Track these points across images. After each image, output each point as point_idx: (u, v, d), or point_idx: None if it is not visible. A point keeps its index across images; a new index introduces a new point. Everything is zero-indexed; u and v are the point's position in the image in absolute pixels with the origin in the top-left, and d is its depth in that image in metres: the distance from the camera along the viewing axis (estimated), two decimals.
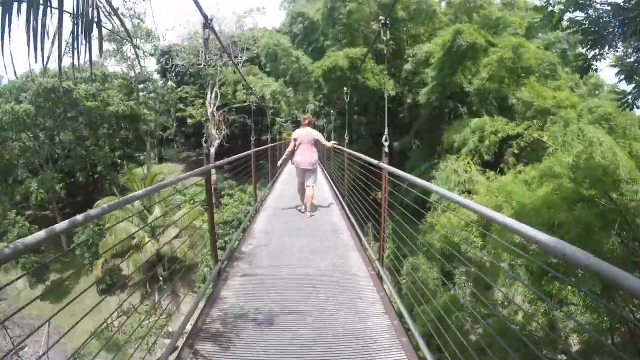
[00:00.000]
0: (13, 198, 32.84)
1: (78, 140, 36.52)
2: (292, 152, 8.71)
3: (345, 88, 8.26)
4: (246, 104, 34.50)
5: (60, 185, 36.94)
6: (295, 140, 8.62)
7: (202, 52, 35.71)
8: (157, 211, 22.40)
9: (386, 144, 5.92)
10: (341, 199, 10.25)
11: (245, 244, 6.74)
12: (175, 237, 21.83)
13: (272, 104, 31.05)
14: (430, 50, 18.88)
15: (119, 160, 39.18)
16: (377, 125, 24.46)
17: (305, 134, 8.57)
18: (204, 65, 36.63)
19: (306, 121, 8.76)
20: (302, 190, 8.84)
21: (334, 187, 12.65)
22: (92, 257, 26.33)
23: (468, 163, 15.36)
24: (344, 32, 21.83)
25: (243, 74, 30.35)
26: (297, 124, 38.57)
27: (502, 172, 14.78)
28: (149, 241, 21.37)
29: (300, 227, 7.82)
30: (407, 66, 20.53)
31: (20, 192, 32.38)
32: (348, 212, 8.76)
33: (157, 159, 52.23)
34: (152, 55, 43.96)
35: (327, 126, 24.19)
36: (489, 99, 19.09)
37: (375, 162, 6.18)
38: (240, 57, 35.51)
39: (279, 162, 9.80)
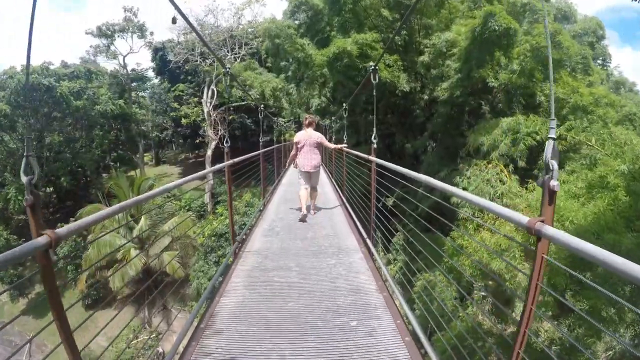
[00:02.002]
0: None
1: (64, 142, 35.06)
2: (295, 156, 8.69)
3: (372, 65, 7.01)
4: (244, 102, 32.75)
5: (45, 190, 35.46)
6: (297, 144, 8.57)
7: (198, 46, 34.17)
8: (142, 221, 20.61)
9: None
10: (345, 202, 10.22)
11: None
12: (166, 249, 20.34)
13: (272, 102, 29.17)
14: (453, 38, 16.71)
15: (112, 164, 37.92)
16: (388, 125, 22.68)
17: (307, 137, 8.54)
18: (199, 62, 34.93)
19: (307, 121, 8.74)
20: (304, 193, 8.61)
21: (338, 190, 12.54)
22: (75, 271, 25.17)
23: (501, 170, 13.31)
24: (351, 21, 19.88)
25: (241, 69, 28.80)
26: (299, 125, 37.53)
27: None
28: (136, 255, 19.56)
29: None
30: (424, 58, 18.44)
31: (0, 198, 30.66)
32: (353, 215, 8.54)
33: (154, 161, 51.66)
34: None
35: (334, 126, 22.19)
36: (516, 96, 17.16)
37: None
38: (238, 52, 33.85)
39: (287, 165, 9.69)
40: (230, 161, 7.00)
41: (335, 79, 19.79)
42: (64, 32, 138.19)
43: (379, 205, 7.00)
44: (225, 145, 7.19)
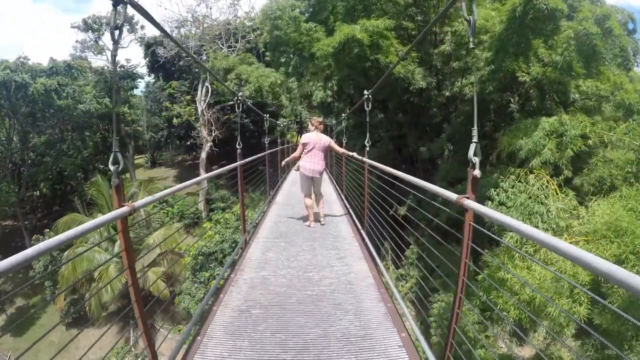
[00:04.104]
0: None
1: (47, 144, 33.45)
2: (298, 157, 8.33)
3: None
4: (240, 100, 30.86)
5: (32, 195, 34.69)
6: (305, 145, 8.17)
7: (191, 40, 32.54)
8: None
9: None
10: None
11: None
12: (152, 264, 18.59)
13: (271, 99, 27.24)
14: (481, 24, 14.48)
15: (101, 167, 35.96)
16: (399, 125, 20.66)
17: (316, 139, 8.24)
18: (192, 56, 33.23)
19: (317, 122, 8.44)
20: (310, 202, 8.37)
21: (341, 195, 12.15)
22: (53, 287, 23.78)
23: (547, 182, 11.19)
24: (357, 7, 17.85)
25: (236, 63, 26.88)
26: (300, 125, 36.03)
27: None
28: (117, 276, 17.79)
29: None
30: (445, 47, 16.30)
31: None
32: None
33: (150, 163, 50.31)
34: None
35: (342, 125, 20.30)
36: (550, 93, 15.19)
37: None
38: (234, 45, 32.15)
39: (283, 163, 9.48)
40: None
41: (343, 72, 17.75)
42: (65, 34, 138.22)
43: (383, 213, 7.23)
44: (237, 147, 7.25)
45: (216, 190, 32.84)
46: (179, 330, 17.47)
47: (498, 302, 9.42)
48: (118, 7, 2.88)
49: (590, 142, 11.75)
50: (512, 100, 15.97)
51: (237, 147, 7.46)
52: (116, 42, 2.79)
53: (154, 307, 20.95)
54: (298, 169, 8.48)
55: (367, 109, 7.55)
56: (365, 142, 7.77)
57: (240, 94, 7.60)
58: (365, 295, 4.99)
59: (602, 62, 14.88)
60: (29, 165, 32.56)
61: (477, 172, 3.01)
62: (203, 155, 33.79)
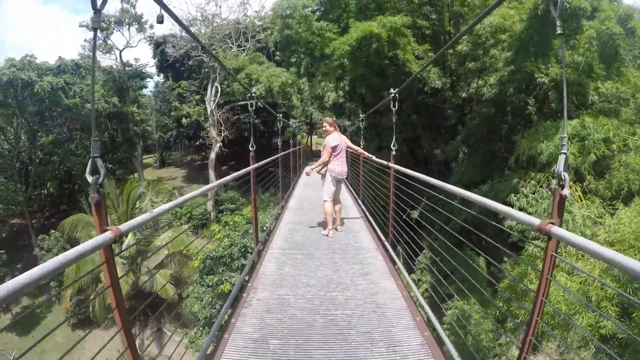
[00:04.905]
0: None
1: (55, 144, 33.53)
2: (328, 161, 7.98)
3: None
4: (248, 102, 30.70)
5: (39, 193, 35.06)
6: (334, 148, 7.91)
7: (200, 38, 32.36)
8: (130, 236, 18.66)
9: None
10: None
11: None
12: (159, 267, 18.41)
13: (281, 100, 27.03)
14: (498, 22, 14.16)
15: (110, 166, 36.46)
16: (413, 127, 20.41)
17: (341, 140, 8.07)
18: (202, 56, 33.21)
19: (335, 124, 8.23)
20: (330, 208, 8.01)
21: (358, 200, 11.75)
22: (58, 287, 23.82)
23: (571, 188, 10.87)
24: (370, 4, 17.65)
25: (246, 62, 26.64)
26: (311, 126, 35.91)
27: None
28: (123, 275, 17.56)
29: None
30: (461, 47, 16.07)
31: None
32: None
33: (159, 163, 50.34)
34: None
35: (350, 127, 20.06)
36: (569, 95, 14.78)
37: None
38: (244, 44, 31.99)
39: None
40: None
41: (357, 72, 17.54)
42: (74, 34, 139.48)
43: (399, 219, 7.04)
44: (251, 149, 7.16)
45: (225, 191, 32.56)
46: (187, 334, 17.25)
47: (519, 314, 9.09)
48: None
49: (614, 146, 11.39)
50: (529, 102, 15.69)
51: (250, 148, 7.25)
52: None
53: (162, 310, 20.90)
54: (327, 173, 8.06)
55: (393, 109, 7.03)
56: (392, 146, 7.15)
57: (254, 91, 7.24)
58: (397, 321, 4.55)
59: (622, 63, 14.65)
60: (37, 164, 32.76)
61: (566, 192, 2.50)
62: (212, 155, 33.49)
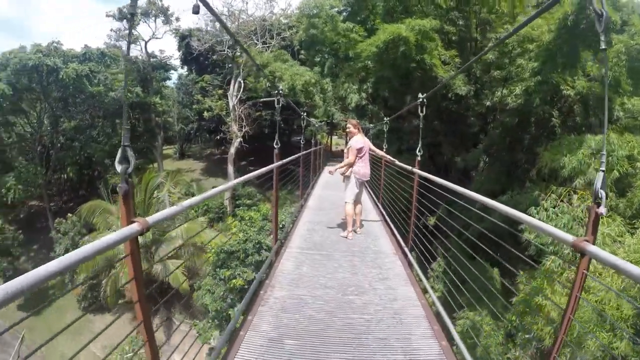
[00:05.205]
0: None
1: (77, 130, 34.13)
2: (353, 163, 7.97)
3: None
4: (274, 98, 30.77)
5: (59, 177, 35.80)
6: (359, 150, 7.93)
7: (225, 33, 32.62)
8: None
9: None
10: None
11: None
12: (172, 257, 18.56)
13: (304, 99, 27.04)
14: (526, 32, 14.07)
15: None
16: (435, 133, 20.36)
17: (365, 142, 8.09)
18: (226, 52, 33.33)
19: (359, 126, 8.29)
20: (351, 210, 7.98)
21: (377, 203, 11.73)
22: (73, 271, 23.46)
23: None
24: (397, 7, 17.63)
25: (270, 59, 26.70)
26: (332, 126, 35.95)
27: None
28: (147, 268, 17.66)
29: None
30: (488, 55, 15.97)
31: (0, 186, 29.70)
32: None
33: (178, 154, 50.84)
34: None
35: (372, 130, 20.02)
36: (594, 109, 14.79)
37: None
38: (269, 41, 32.11)
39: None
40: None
41: (384, 73, 17.52)
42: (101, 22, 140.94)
43: (418, 224, 7.06)
44: (275, 146, 7.11)
45: (243, 187, 32.66)
46: (195, 325, 17.33)
47: (532, 329, 9.04)
48: None
49: (638, 164, 11.27)
50: (553, 114, 15.55)
51: (275, 146, 7.23)
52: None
53: (173, 299, 21.06)
54: (351, 175, 8.01)
55: (421, 114, 6.99)
56: (417, 151, 7.03)
57: (280, 88, 7.24)
58: (415, 329, 4.49)
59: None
60: (58, 149, 33.38)
61: (602, 210, 2.42)
62: (232, 150, 33.75)
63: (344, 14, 21.17)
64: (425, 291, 5.59)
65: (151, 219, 2.34)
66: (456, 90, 16.43)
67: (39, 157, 32.32)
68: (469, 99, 18.06)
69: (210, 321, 15.99)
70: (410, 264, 6.56)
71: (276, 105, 7.39)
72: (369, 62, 17.07)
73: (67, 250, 23.54)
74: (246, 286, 14.87)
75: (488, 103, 17.18)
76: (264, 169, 6.05)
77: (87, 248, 1.80)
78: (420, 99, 6.83)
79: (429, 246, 7.00)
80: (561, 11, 12.17)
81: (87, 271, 20.57)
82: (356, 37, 18.59)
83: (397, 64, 16.25)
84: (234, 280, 15.23)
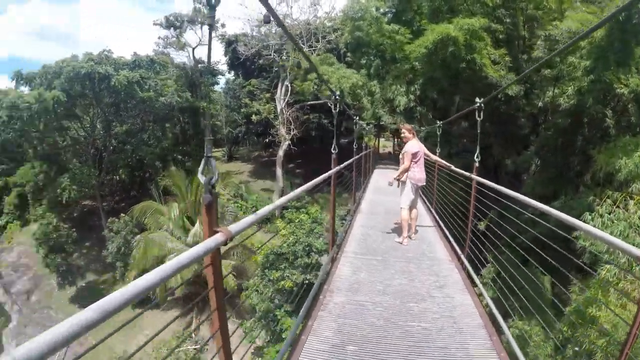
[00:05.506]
0: (54, 190, 32.03)
1: (128, 134, 35.64)
2: (408, 168, 7.95)
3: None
4: (321, 100, 30.95)
5: (111, 179, 37.33)
6: (414, 155, 7.92)
7: (271, 38, 33.06)
8: (197, 225, 19.48)
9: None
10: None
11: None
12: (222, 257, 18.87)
13: (351, 101, 27.11)
14: (576, 28, 13.68)
15: (180, 157, 38.11)
16: (485, 134, 20.04)
17: (420, 147, 8.10)
18: (272, 56, 33.76)
19: (413, 131, 8.34)
20: (407, 215, 7.95)
21: (431, 209, 11.39)
22: (124, 268, 25.51)
23: None
24: (443, 8, 17.50)
25: (317, 63, 26.97)
26: (379, 129, 35.83)
27: None
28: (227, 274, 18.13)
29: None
30: (537, 53, 15.64)
31: (56, 187, 31.38)
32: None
33: (226, 157, 51.94)
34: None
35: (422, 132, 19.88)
36: None
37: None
38: (315, 45, 32.32)
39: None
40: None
41: (433, 74, 17.43)
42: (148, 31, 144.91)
43: (475, 230, 6.94)
44: (333, 151, 7.11)
45: (291, 188, 32.96)
46: (241, 324, 17.55)
47: (584, 342, 8.81)
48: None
49: None
50: (607, 113, 15.12)
51: (332, 151, 7.25)
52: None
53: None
54: (407, 180, 7.99)
55: (478, 119, 6.88)
56: (475, 157, 6.97)
57: (338, 94, 7.27)
58: (474, 340, 4.41)
59: None
60: (110, 152, 34.90)
61: None
62: (280, 153, 34.27)
63: (389, 15, 21.15)
64: (482, 299, 5.53)
65: (233, 228, 2.35)
66: (506, 90, 16.18)
67: (92, 159, 33.78)
68: (519, 99, 17.77)
69: (256, 321, 16.19)
70: (467, 272, 6.52)
71: (333, 111, 7.24)
72: (417, 64, 17.00)
73: (119, 249, 25.06)
74: (294, 288, 15.03)
75: (540, 104, 16.85)
76: (323, 176, 6.02)
77: (174, 262, 1.80)
78: (478, 104, 6.76)
79: (481, 251, 6.88)
80: (612, 6, 11.88)
81: (138, 268, 21.34)
82: (402, 38, 18.56)
83: (447, 64, 16.17)
84: (282, 282, 15.38)
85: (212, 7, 2.12)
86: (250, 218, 2.74)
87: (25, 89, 30.65)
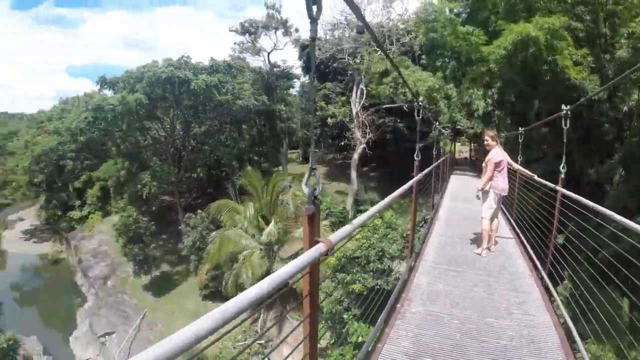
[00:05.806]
0: (135, 186, 34.64)
1: (206, 134, 37.66)
2: (492, 177, 7.83)
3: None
4: (396, 104, 30.79)
5: (189, 177, 39.34)
6: (498, 164, 7.77)
7: (345, 42, 33.38)
8: (272, 226, 19.98)
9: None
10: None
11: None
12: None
13: (427, 104, 26.79)
14: None
15: (256, 158, 39.51)
16: (565, 142, 19.19)
17: (504, 156, 7.98)
18: (347, 59, 34.18)
19: (495, 137, 8.14)
20: (488, 225, 7.80)
21: (511, 220, 11.03)
22: (197, 261, 26.93)
23: None
24: (518, 7, 17.03)
25: (399, 67, 26.65)
26: (455, 133, 35.22)
27: None
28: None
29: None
30: (621, 53, 14.91)
31: (137, 182, 34.12)
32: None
33: (301, 158, 53.50)
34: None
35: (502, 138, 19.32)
36: None
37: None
38: (389, 48, 32.21)
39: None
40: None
41: (512, 77, 16.97)
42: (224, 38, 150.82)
43: (558, 246, 6.65)
44: (416, 158, 7.06)
45: (366, 192, 33.18)
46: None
47: None
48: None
49: None
50: None
51: (415, 157, 7.20)
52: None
53: (288, 296, 21.77)
54: (491, 189, 7.86)
55: (564, 127, 6.72)
56: (561, 168, 6.80)
57: (421, 99, 7.26)
58: None
59: None
60: (189, 151, 37.12)
61: None
62: (355, 156, 34.58)
63: (463, 15, 20.78)
64: (560, 318, 5.37)
65: (334, 238, 2.40)
66: (589, 93, 15.50)
67: (172, 158, 36.15)
68: (601, 103, 16.89)
69: (322, 322, 16.25)
70: (546, 288, 6.34)
71: (416, 117, 7.26)
72: (494, 66, 16.57)
73: (194, 243, 26.69)
74: (364, 292, 14.98)
75: (625, 108, 15.96)
76: (406, 186, 5.93)
77: (281, 273, 1.77)
78: (564, 111, 6.61)
79: (562, 267, 6.72)
80: None
81: (211, 263, 22.61)
82: (477, 40, 18.17)
83: (526, 66, 15.66)
84: (353, 285, 15.34)
85: (314, 20, 2.14)
86: (348, 227, 2.78)
87: (108, 93, 33.11)
